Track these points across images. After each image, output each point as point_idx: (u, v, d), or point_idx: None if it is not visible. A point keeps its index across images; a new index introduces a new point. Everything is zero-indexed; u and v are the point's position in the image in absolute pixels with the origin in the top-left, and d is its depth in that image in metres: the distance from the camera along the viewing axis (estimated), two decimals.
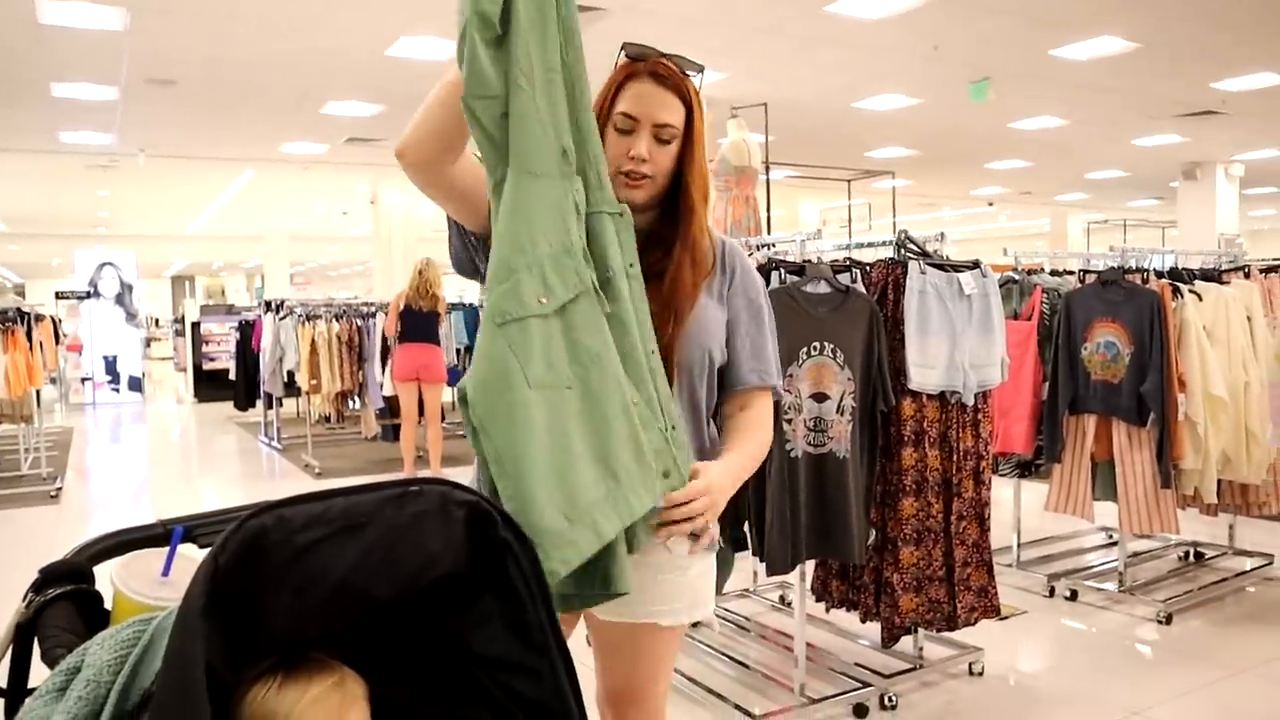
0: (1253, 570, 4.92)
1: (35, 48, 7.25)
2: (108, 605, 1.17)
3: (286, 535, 1.01)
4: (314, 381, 8.89)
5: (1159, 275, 4.40)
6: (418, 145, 1.54)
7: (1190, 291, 4.23)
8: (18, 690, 1.08)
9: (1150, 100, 10.19)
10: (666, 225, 1.72)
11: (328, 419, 10.96)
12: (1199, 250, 5.37)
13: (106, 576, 1.18)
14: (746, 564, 4.22)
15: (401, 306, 7.35)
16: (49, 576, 1.13)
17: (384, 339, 8.36)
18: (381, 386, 8.68)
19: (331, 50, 7.70)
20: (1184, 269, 4.56)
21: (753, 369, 1.78)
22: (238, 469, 9.48)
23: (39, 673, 1.04)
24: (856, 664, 3.65)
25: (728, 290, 1.78)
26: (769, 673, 3.68)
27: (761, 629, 4.17)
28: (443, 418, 8.36)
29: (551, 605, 1.18)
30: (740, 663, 3.78)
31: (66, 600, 1.11)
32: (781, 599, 4.49)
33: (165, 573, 1.19)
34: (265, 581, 1.00)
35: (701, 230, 1.73)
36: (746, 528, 3.23)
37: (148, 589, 1.15)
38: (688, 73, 1.71)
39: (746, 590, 4.57)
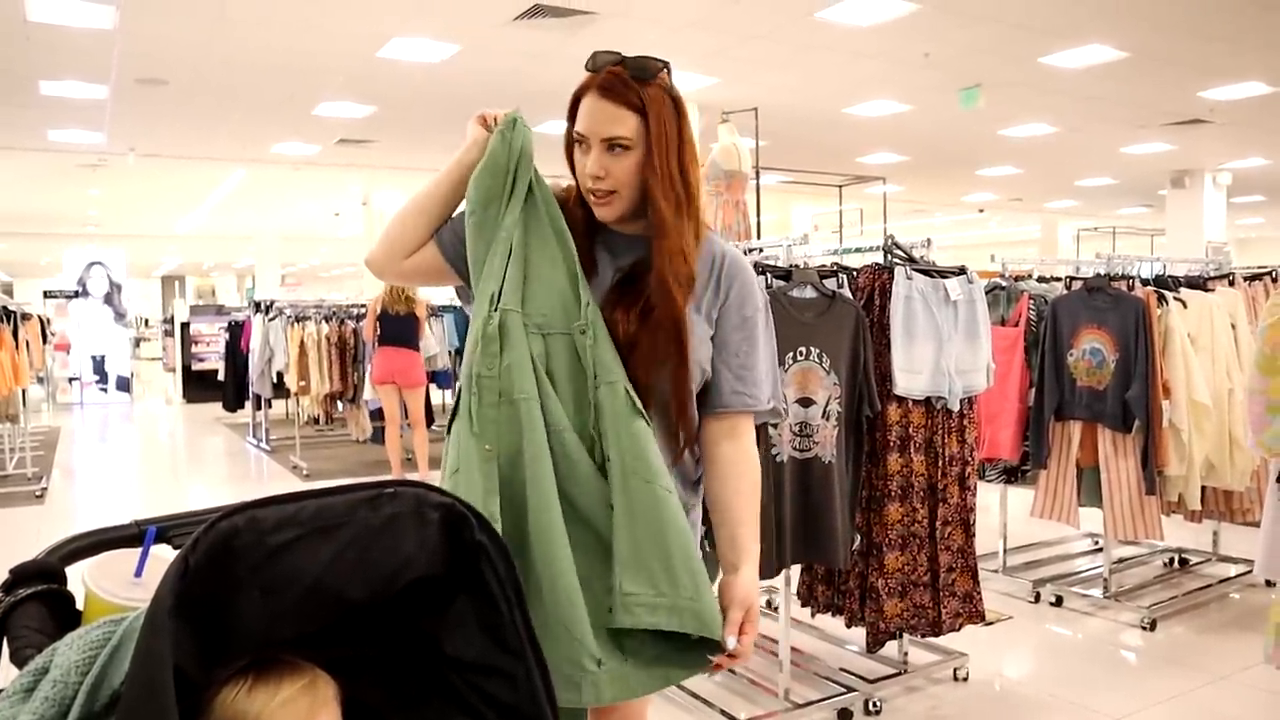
0: (1236, 577, 4.93)
1: (24, 45, 7.22)
2: (80, 605, 1.16)
3: (258, 536, 1.00)
4: (303, 383, 8.86)
5: (1144, 283, 4.41)
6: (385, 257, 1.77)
7: (1175, 299, 4.25)
8: None
9: (1139, 109, 10.24)
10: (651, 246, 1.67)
11: (316, 420, 10.94)
12: (1186, 258, 5.39)
13: (79, 577, 1.17)
14: None
15: (379, 310, 7.34)
16: (19, 576, 1.12)
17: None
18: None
19: (323, 51, 7.68)
20: (1169, 276, 4.58)
21: (736, 391, 1.69)
22: (225, 470, 9.45)
23: (7, 673, 1.03)
24: (841, 669, 3.65)
25: (719, 308, 1.70)
26: (754, 677, 3.67)
27: None
28: (430, 421, 8.35)
29: (526, 609, 1.17)
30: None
31: (37, 600, 1.10)
32: (767, 603, 4.48)
33: (138, 573, 1.18)
34: (236, 582, 1.00)
35: (677, 247, 1.63)
36: None
37: (120, 589, 1.14)
38: (646, 77, 1.60)
39: None
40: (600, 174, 1.60)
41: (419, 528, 1.12)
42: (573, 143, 1.66)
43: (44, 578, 1.13)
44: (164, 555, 1.18)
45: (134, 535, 1.22)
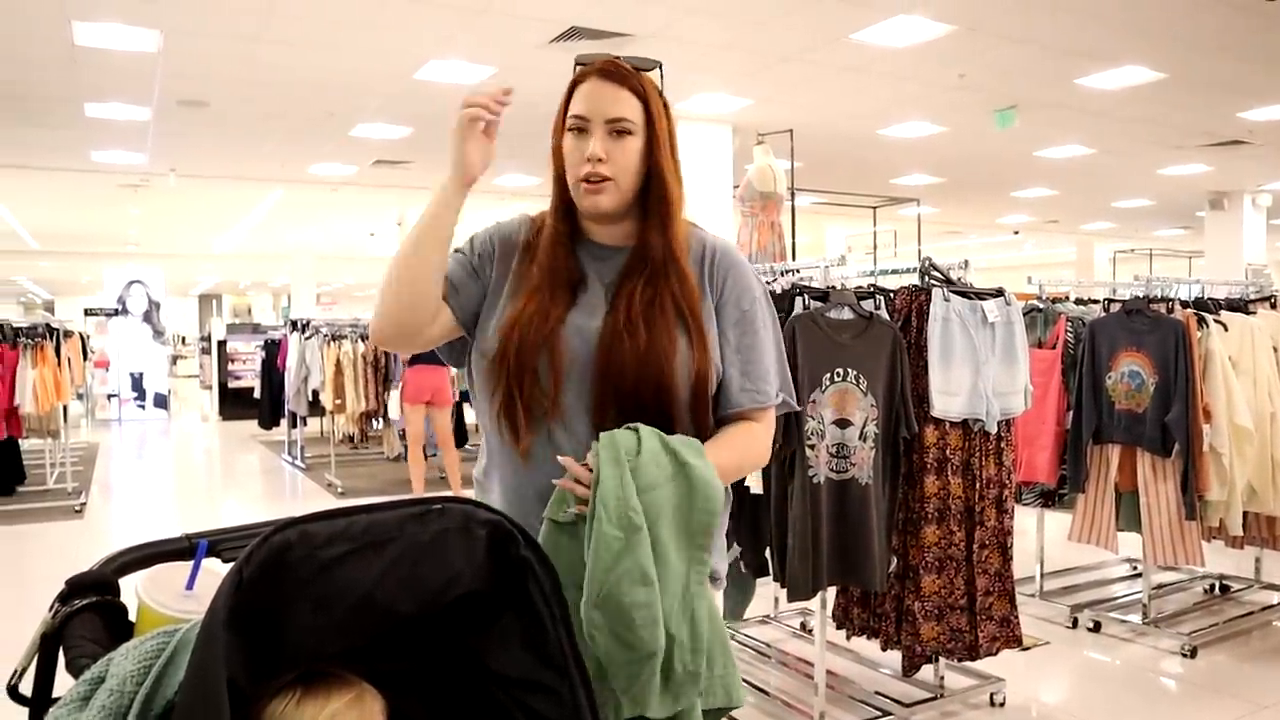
0: None
1: (70, 69, 7.36)
2: (132, 617, 1.19)
3: (310, 550, 1.02)
4: (338, 401, 8.93)
5: (1184, 305, 4.37)
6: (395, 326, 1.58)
7: (1215, 321, 4.21)
8: (42, 699, 1.09)
9: (1177, 130, 10.15)
10: (649, 236, 1.60)
11: (351, 439, 11.01)
12: (1226, 280, 5.33)
13: (131, 588, 1.19)
14: (768, 590, 4.21)
15: None
16: (75, 587, 1.14)
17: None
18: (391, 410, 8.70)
19: (360, 73, 7.78)
20: (1209, 299, 4.53)
21: (744, 389, 1.61)
22: (261, 487, 9.53)
23: (63, 683, 1.05)
24: (877, 692, 3.62)
25: (716, 302, 1.62)
26: (789, 700, 3.65)
27: (782, 656, 4.14)
28: (464, 440, 8.38)
29: (571, 626, 1.18)
30: (760, 689, 3.75)
31: (92, 611, 1.13)
32: (802, 625, 4.46)
33: (189, 586, 1.20)
34: (288, 595, 1.02)
35: (682, 230, 1.61)
36: (768, 553, 3.22)
37: (172, 601, 1.16)
38: (644, 68, 1.61)
39: (767, 617, 4.55)
40: (602, 156, 1.54)
41: (466, 543, 1.13)
42: (563, 131, 1.60)
43: (99, 589, 1.15)
44: (214, 569, 1.21)
45: (185, 549, 1.25)
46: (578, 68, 1.63)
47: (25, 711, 1.10)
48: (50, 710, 1.02)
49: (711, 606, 1.52)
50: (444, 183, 1.59)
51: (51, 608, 1.11)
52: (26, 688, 1.09)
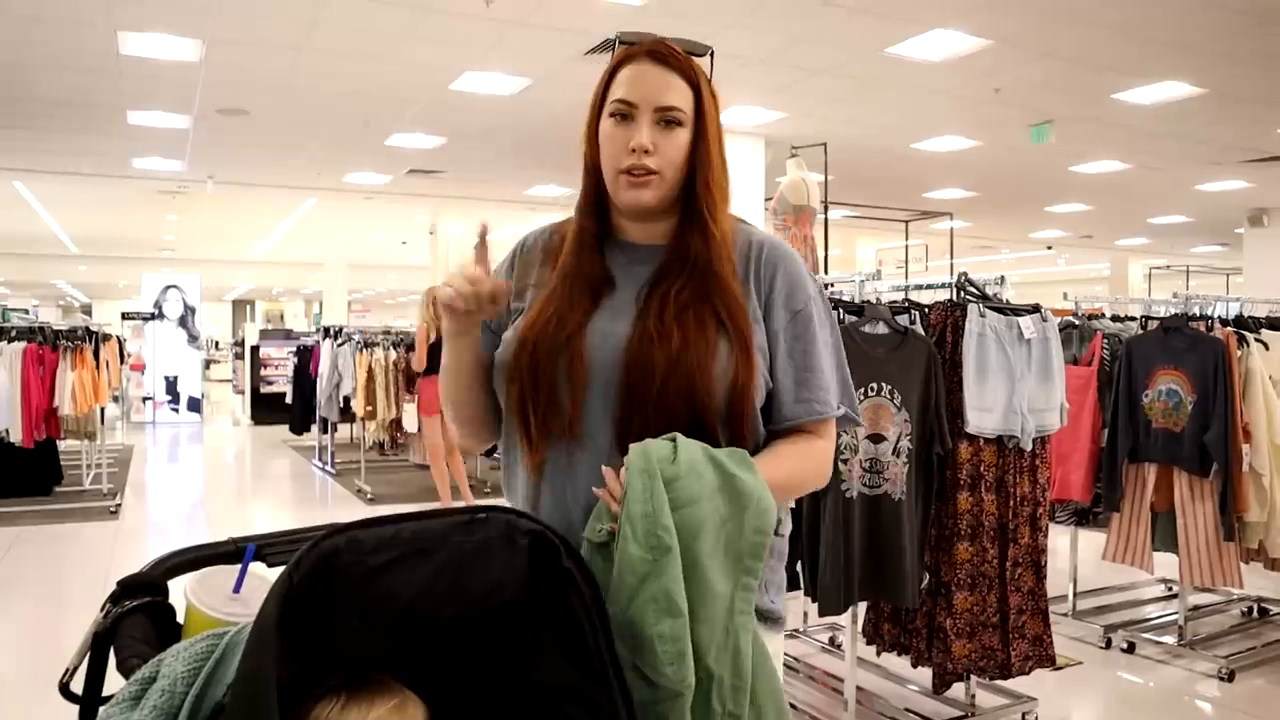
0: None
1: (115, 77, 7.49)
2: (179, 619, 1.20)
3: (358, 556, 1.04)
4: (369, 408, 8.99)
5: (1224, 323, 4.32)
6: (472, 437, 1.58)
7: (1256, 340, 4.16)
8: (93, 698, 1.11)
9: (1215, 145, 10.05)
10: (690, 236, 1.46)
11: (381, 445, 11.06)
12: (1266, 298, 5.27)
13: (179, 591, 1.21)
14: (797, 604, 4.19)
15: (433, 338, 7.15)
16: (126, 588, 1.16)
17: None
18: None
19: (398, 83, 7.86)
20: (1250, 317, 4.48)
21: (801, 399, 1.45)
22: (291, 492, 9.61)
23: (113, 682, 1.07)
24: (907, 709, 3.60)
25: (763, 303, 1.46)
26: (818, 715, 3.64)
27: (811, 670, 4.13)
28: (488, 452, 8.35)
29: (611, 637, 1.19)
30: (789, 704, 3.73)
31: (142, 612, 1.14)
32: (831, 641, 4.44)
33: (236, 589, 1.22)
34: (336, 600, 1.03)
35: (725, 235, 1.46)
36: (799, 567, 3.21)
37: (220, 604, 1.18)
38: (696, 53, 1.49)
39: (796, 631, 4.53)
40: (650, 147, 1.40)
41: (509, 553, 1.15)
42: (598, 118, 1.47)
43: (149, 590, 1.17)
44: (260, 573, 1.22)
45: (232, 552, 1.26)
46: (619, 45, 1.48)
47: (75, 710, 1.12)
48: (101, 709, 1.04)
49: (761, 648, 1.33)
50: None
51: (103, 608, 1.13)
52: (78, 686, 1.11)
